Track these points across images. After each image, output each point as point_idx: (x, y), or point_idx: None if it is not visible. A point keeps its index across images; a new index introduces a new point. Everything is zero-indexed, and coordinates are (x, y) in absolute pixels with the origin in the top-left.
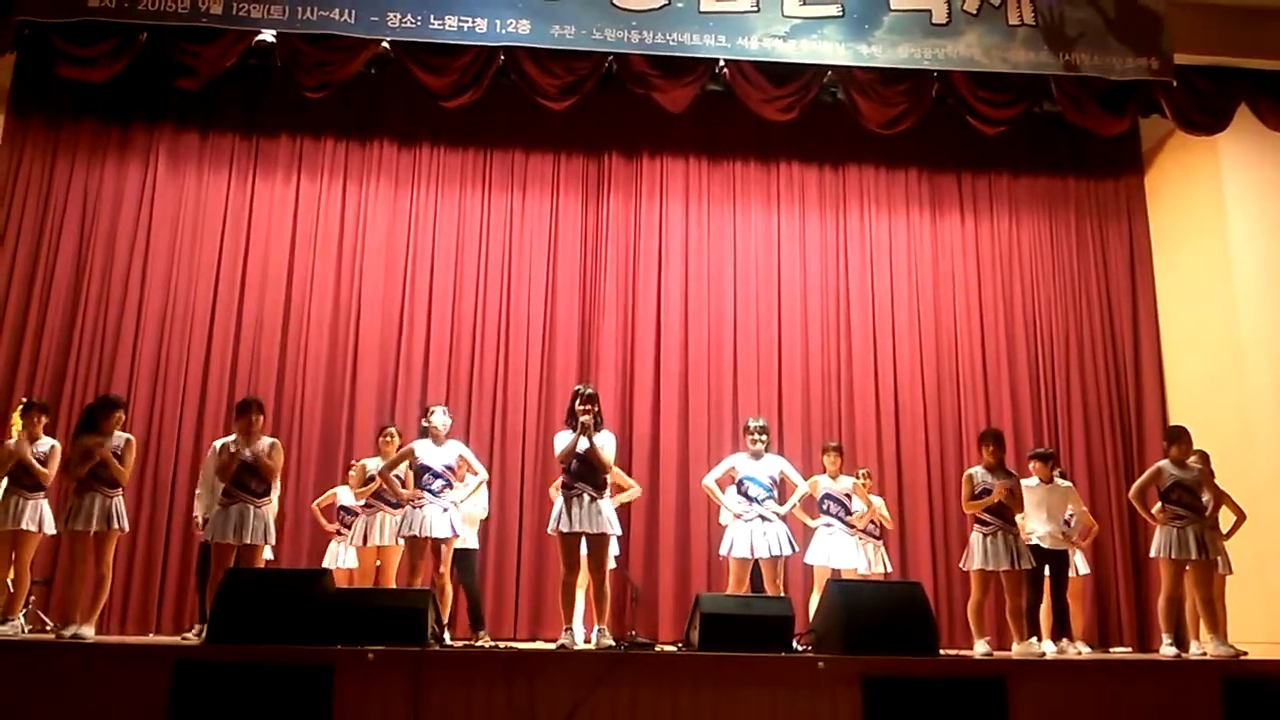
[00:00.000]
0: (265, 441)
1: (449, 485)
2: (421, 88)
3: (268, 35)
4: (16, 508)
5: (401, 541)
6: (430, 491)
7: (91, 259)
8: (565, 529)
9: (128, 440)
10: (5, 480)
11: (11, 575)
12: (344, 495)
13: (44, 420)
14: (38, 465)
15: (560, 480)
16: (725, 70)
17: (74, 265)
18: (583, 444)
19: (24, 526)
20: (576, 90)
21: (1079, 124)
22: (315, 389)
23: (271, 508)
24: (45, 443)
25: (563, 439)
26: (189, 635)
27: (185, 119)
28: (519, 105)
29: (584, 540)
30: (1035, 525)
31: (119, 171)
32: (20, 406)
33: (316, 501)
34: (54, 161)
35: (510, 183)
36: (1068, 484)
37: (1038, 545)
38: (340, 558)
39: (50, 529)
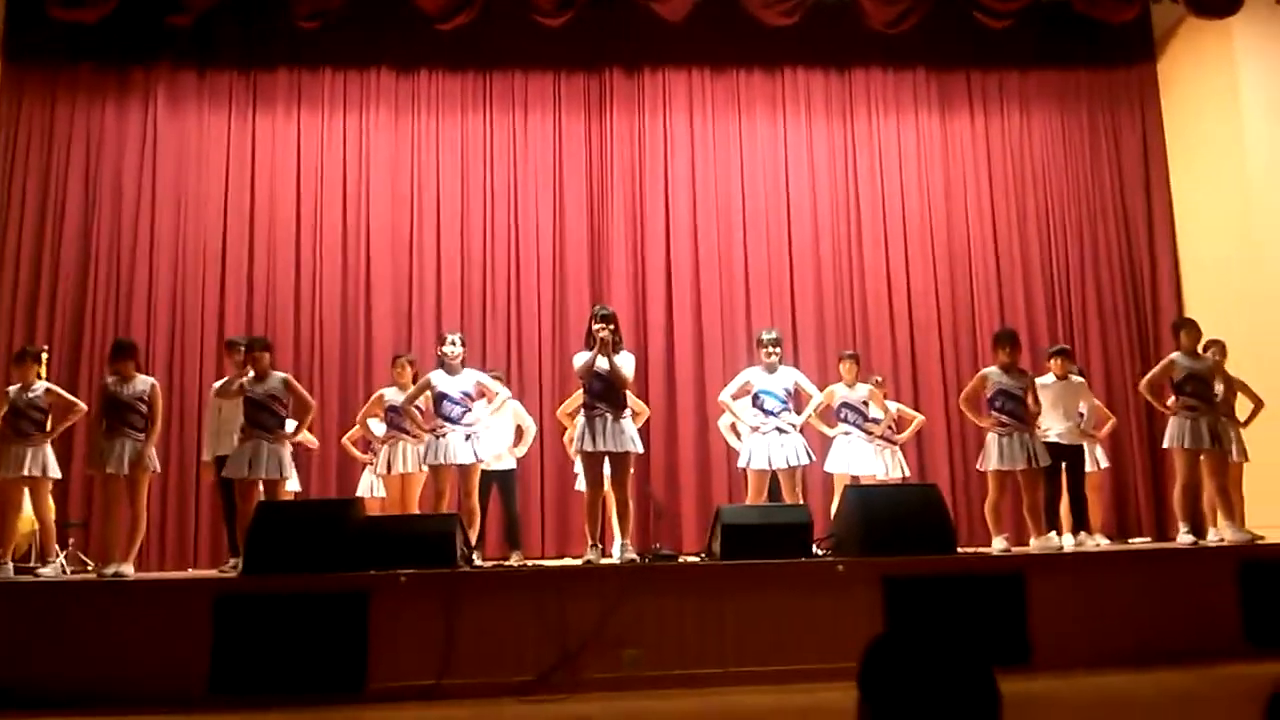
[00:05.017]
0: (277, 377)
1: (468, 411)
2: (416, 11)
3: None
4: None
5: (426, 469)
6: (450, 420)
7: (100, 203)
8: (589, 448)
9: (152, 385)
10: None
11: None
12: (374, 426)
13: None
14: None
15: (581, 401)
16: None
17: (83, 211)
18: (602, 363)
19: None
20: (572, 3)
21: (1087, 12)
22: (331, 321)
23: (307, 437)
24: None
25: (581, 359)
26: (225, 569)
27: (181, 58)
28: (516, 24)
29: (607, 459)
30: (1051, 422)
31: (119, 114)
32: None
33: (347, 435)
34: (54, 107)
35: (512, 104)
36: (1080, 380)
37: (1055, 442)
38: (373, 487)
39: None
